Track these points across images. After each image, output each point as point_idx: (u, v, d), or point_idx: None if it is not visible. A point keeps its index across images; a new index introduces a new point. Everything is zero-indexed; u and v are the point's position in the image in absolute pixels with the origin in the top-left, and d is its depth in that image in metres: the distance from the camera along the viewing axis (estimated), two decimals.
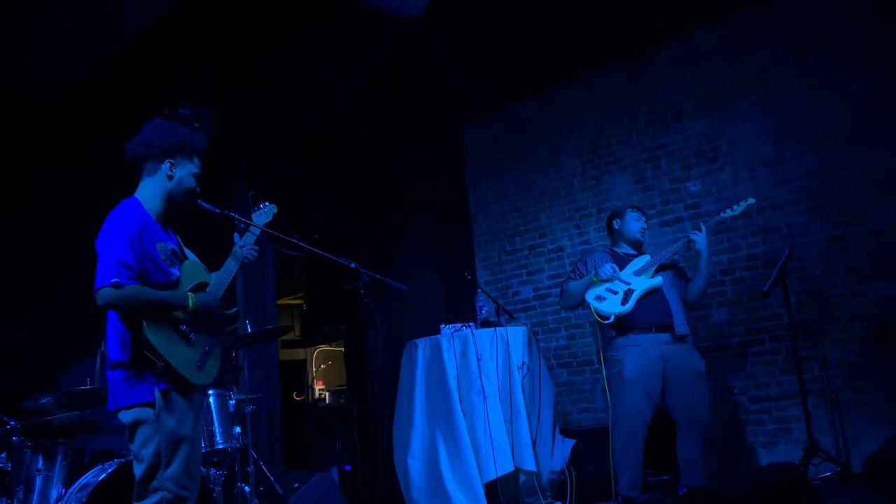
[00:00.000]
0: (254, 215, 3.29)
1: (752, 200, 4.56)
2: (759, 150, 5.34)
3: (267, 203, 3.35)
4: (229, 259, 3.08)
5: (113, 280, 2.62)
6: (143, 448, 2.68)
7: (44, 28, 4.65)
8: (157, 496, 2.64)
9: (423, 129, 6.87)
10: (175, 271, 2.87)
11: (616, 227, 4.68)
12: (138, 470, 2.69)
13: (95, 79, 5.10)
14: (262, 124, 6.00)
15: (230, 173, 5.86)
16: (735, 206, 4.51)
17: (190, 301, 2.80)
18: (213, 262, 3.12)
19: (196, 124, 5.10)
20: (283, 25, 5.21)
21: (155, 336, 2.67)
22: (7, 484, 3.79)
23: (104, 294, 2.64)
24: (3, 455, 3.82)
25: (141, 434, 2.69)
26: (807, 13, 5.18)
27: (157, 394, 2.68)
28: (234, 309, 3.06)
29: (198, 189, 2.98)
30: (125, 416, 2.73)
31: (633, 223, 4.60)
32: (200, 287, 2.93)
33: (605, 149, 6.21)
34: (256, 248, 3.15)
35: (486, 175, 7.02)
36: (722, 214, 4.53)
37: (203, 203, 3.01)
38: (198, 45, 5.11)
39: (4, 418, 3.87)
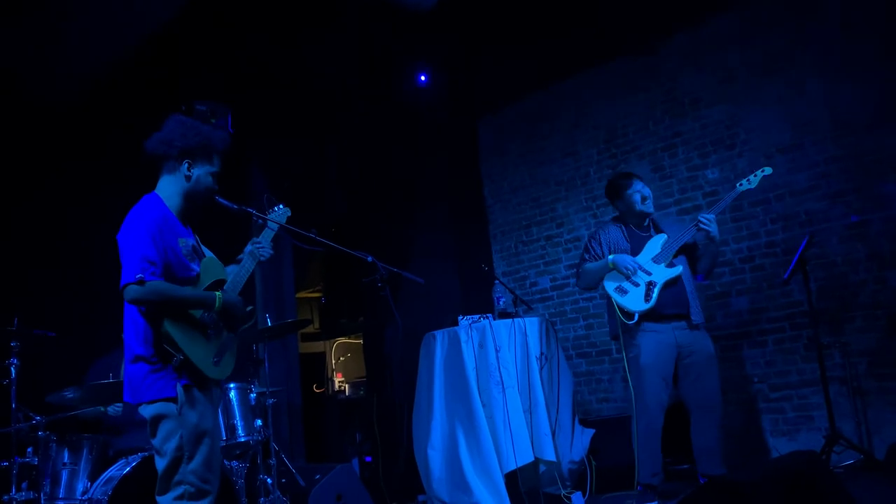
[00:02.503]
0: (268, 216, 3.30)
1: (768, 170, 4.27)
2: (778, 136, 5.29)
3: (281, 206, 3.34)
4: (245, 257, 3.09)
5: (137, 276, 2.64)
6: (166, 443, 2.70)
7: (54, 32, 4.68)
8: (179, 489, 2.68)
9: (437, 122, 6.86)
10: (195, 267, 2.90)
11: (620, 208, 4.52)
12: (161, 464, 2.72)
13: (112, 77, 5.13)
14: (276, 121, 6.02)
15: (247, 170, 5.90)
16: (752, 177, 4.26)
17: (217, 301, 2.82)
18: (228, 259, 3.14)
19: (213, 120, 5.12)
20: (297, 22, 5.22)
21: (174, 330, 2.70)
22: (34, 478, 3.85)
23: (130, 291, 2.66)
24: (29, 450, 3.88)
25: (163, 429, 2.72)
26: None
27: (180, 389, 2.70)
28: (250, 307, 3.08)
29: (216, 187, 2.99)
30: (146, 411, 2.74)
31: (636, 196, 4.41)
32: (218, 284, 2.95)
33: (622, 138, 6.18)
34: (272, 246, 3.16)
35: (501, 166, 7.00)
36: (739, 187, 4.27)
37: (221, 199, 3.02)
38: (209, 44, 5.13)
39: (30, 413, 3.93)
